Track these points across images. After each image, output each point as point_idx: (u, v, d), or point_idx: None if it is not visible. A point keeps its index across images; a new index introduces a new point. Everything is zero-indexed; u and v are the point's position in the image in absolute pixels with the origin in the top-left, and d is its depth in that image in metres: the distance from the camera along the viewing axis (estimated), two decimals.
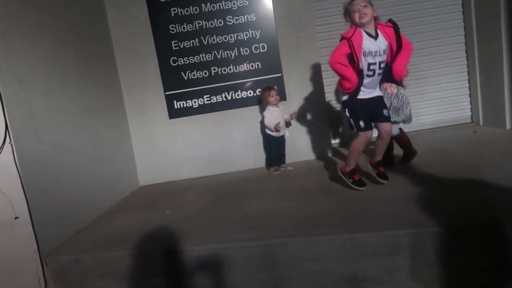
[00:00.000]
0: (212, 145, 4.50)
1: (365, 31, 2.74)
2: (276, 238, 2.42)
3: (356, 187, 3.01)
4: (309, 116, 4.47)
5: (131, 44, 4.34)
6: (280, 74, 4.39)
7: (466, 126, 5.08)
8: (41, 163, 2.78)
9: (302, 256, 2.34)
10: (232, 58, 4.37)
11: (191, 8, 4.30)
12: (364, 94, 2.88)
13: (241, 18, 4.32)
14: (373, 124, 2.92)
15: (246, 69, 4.39)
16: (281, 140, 4.16)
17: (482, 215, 2.30)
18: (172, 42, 4.34)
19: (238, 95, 4.42)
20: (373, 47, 2.73)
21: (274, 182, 3.77)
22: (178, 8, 4.30)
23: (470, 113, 5.17)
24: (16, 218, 2.55)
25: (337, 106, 5.09)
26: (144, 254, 2.55)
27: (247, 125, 4.44)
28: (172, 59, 4.36)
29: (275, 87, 4.10)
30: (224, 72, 4.40)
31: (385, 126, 2.89)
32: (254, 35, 4.35)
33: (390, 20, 2.81)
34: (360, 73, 2.79)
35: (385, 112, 2.88)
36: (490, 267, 2.19)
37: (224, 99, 4.42)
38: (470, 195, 2.62)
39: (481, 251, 2.19)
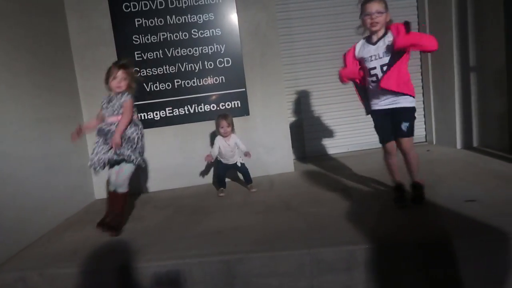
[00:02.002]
0: (174, 158, 4.43)
1: (366, 39, 2.83)
2: (234, 254, 2.39)
3: (396, 203, 2.90)
4: (271, 132, 4.50)
5: (93, 53, 4.23)
6: (244, 89, 4.41)
7: (421, 144, 5.30)
8: None
9: (260, 272, 2.33)
10: (196, 71, 4.36)
11: (155, 19, 4.26)
12: (378, 105, 2.87)
13: (207, 32, 4.33)
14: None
15: (210, 83, 4.38)
16: (229, 167, 3.95)
17: (430, 232, 2.39)
18: (136, 53, 4.27)
19: (201, 108, 4.39)
20: (368, 53, 2.78)
21: (235, 197, 3.75)
22: (143, 19, 4.25)
23: (424, 133, 5.41)
24: None
25: (300, 121, 5.20)
26: (96, 271, 2.44)
27: (209, 139, 4.41)
28: (135, 70, 4.28)
29: (228, 115, 3.80)
30: (187, 85, 4.37)
31: (401, 141, 2.84)
32: (219, 50, 4.36)
33: (405, 22, 2.60)
34: (365, 83, 2.89)
35: (403, 126, 2.77)
36: (439, 284, 2.26)
37: (187, 112, 4.38)
38: (419, 212, 2.73)
39: (429, 267, 2.26)
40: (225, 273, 2.35)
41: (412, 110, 2.80)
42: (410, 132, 2.81)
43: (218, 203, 3.59)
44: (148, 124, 4.35)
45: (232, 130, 3.83)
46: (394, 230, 2.46)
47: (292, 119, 5.13)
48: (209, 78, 4.37)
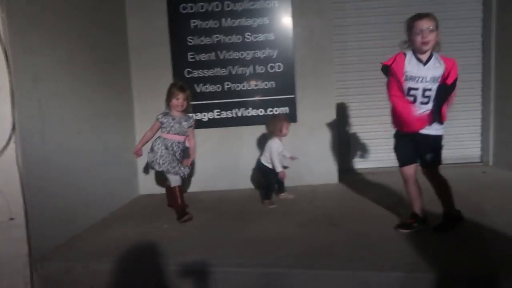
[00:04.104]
0: (218, 160, 4.44)
1: (414, 55, 2.61)
2: (275, 268, 2.33)
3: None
4: (318, 141, 4.40)
5: (148, 52, 4.33)
6: (293, 96, 4.35)
7: (475, 165, 4.99)
8: (45, 164, 2.73)
9: None
10: (247, 75, 4.35)
11: (211, 21, 4.29)
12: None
13: (260, 36, 4.31)
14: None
15: (260, 87, 4.35)
16: (275, 172, 3.76)
17: (480, 264, 2.21)
18: (189, 53, 4.33)
19: (248, 112, 4.37)
20: (418, 72, 2.56)
21: (277, 206, 3.67)
22: (199, 20, 4.30)
23: (479, 153, 5.09)
24: (11, 219, 2.48)
25: (349, 131, 5.05)
26: (136, 270, 2.48)
27: (255, 143, 4.38)
28: (187, 71, 4.34)
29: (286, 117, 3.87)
30: (237, 88, 4.36)
31: (423, 170, 2.79)
32: (271, 54, 4.32)
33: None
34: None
35: (428, 156, 2.69)
36: None
37: (234, 116, 4.38)
38: (472, 242, 2.55)
39: None
40: (264, 286, 2.29)
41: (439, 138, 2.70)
42: (437, 162, 2.74)
43: (260, 210, 3.55)
44: (196, 125, 4.37)
45: None
46: (446, 259, 2.30)
47: (340, 129, 4.98)
48: (259, 82, 4.35)
